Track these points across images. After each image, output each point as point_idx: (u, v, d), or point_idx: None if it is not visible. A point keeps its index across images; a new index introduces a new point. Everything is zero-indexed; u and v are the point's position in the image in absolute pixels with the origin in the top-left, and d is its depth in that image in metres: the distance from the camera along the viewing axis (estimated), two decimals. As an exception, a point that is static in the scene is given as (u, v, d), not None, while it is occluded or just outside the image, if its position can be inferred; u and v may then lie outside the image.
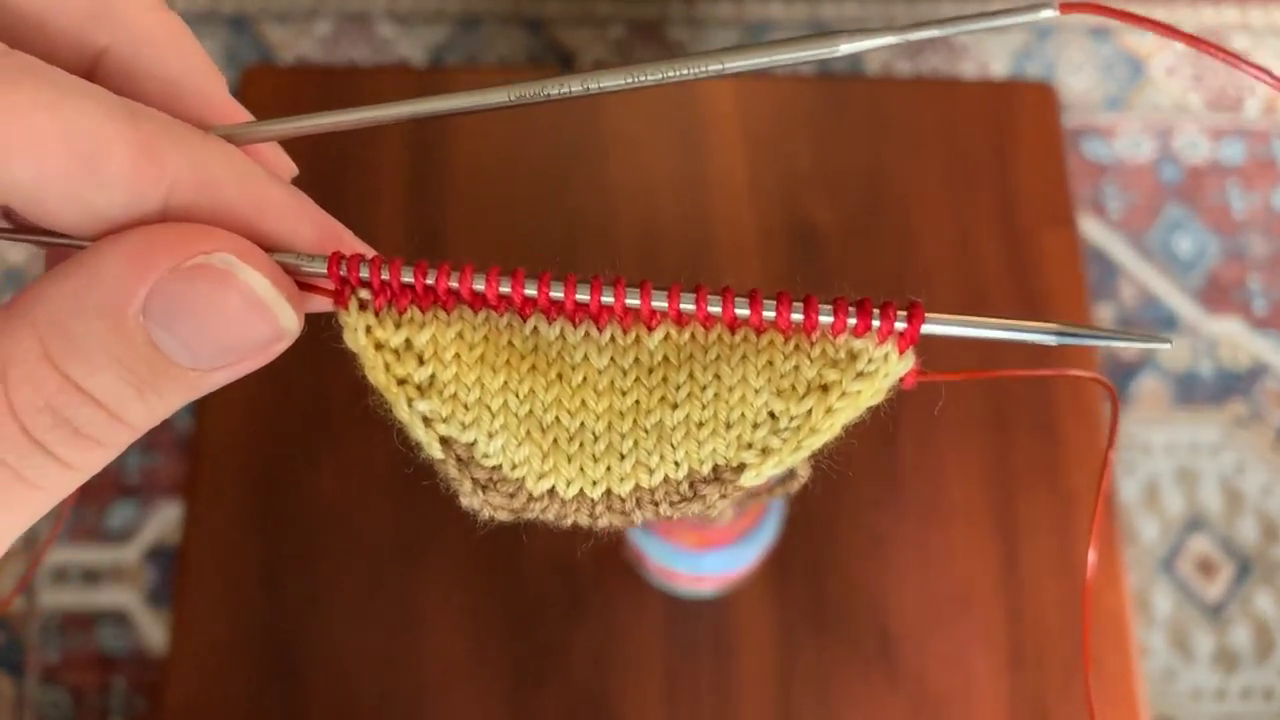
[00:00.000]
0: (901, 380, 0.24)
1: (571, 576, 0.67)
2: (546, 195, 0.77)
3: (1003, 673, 0.66)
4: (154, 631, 0.97)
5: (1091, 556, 0.30)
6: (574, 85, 0.22)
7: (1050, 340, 0.23)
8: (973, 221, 0.76)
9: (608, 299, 0.23)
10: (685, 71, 0.22)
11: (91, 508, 1.00)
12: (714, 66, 0.22)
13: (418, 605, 0.67)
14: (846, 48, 0.21)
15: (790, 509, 0.61)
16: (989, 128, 0.80)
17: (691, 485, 0.25)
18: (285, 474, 0.69)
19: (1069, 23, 1.25)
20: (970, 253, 0.76)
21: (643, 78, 0.22)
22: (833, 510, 0.69)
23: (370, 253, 0.24)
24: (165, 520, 1.00)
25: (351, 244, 0.24)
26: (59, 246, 0.23)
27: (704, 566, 0.58)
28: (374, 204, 0.75)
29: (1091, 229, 1.12)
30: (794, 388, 0.24)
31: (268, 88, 0.81)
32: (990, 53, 1.18)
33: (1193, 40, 0.21)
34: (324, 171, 0.75)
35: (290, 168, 0.26)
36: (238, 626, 0.67)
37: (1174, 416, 1.07)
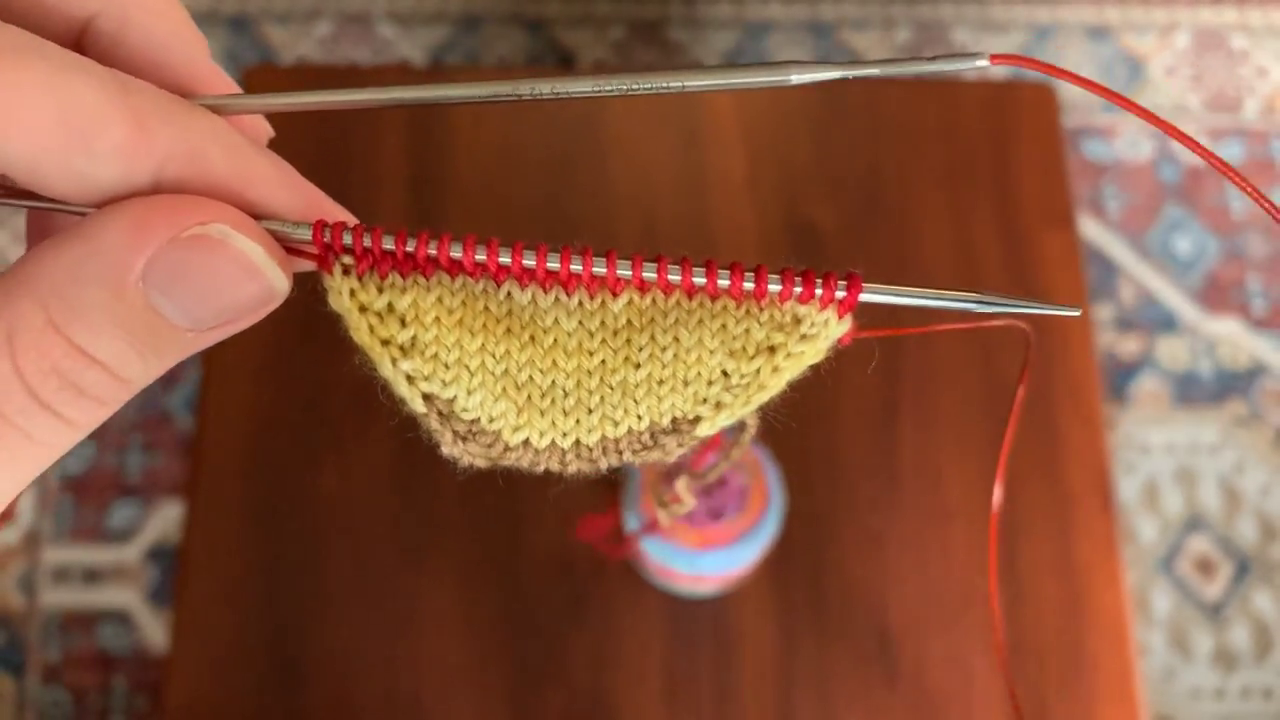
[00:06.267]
0: (839, 340, 0.26)
1: (571, 576, 0.67)
2: (547, 195, 0.77)
3: (1002, 672, 0.66)
4: (155, 631, 0.97)
5: (997, 493, 0.31)
6: (543, 88, 0.24)
7: (973, 307, 0.25)
8: (972, 222, 0.76)
9: (576, 267, 0.25)
10: (648, 85, 0.24)
11: (93, 507, 1.00)
12: (675, 84, 0.24)
13: (418, 604, 0.67)
14: (798, 78, 0.24)
15: (790, 509, 0.61)
16: (989, 128, 0.80)
17: (652, 435, 0.27)
18: (285, 473, 0.69)
19: (1068, 23, 1.25)
20: (970, 253, 0.76)
21: (607, 87, 0.24)
22: (833, 510, 0.69)
23: (352, 221, 0.25)
24: (166, 520, 1.00)
25: (333, 212, 0.25)
26: (58, 211, 0.24)
27: (704, 566, 0.58)
28: (375, 202, 0.75)
29: (1091, 229, 1.12)
30: (745, 349, 0.26)
31: (268, 88, 0.81)
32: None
33: (1144, 112, 0.23)
34: (325, 172, 0.74)
35: (267, 131, 0.27)
36: (239, 626, 0.67)
37: (1173, 416, 1.07)
